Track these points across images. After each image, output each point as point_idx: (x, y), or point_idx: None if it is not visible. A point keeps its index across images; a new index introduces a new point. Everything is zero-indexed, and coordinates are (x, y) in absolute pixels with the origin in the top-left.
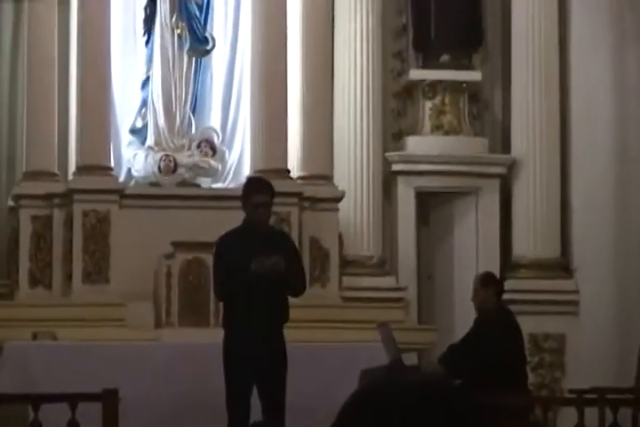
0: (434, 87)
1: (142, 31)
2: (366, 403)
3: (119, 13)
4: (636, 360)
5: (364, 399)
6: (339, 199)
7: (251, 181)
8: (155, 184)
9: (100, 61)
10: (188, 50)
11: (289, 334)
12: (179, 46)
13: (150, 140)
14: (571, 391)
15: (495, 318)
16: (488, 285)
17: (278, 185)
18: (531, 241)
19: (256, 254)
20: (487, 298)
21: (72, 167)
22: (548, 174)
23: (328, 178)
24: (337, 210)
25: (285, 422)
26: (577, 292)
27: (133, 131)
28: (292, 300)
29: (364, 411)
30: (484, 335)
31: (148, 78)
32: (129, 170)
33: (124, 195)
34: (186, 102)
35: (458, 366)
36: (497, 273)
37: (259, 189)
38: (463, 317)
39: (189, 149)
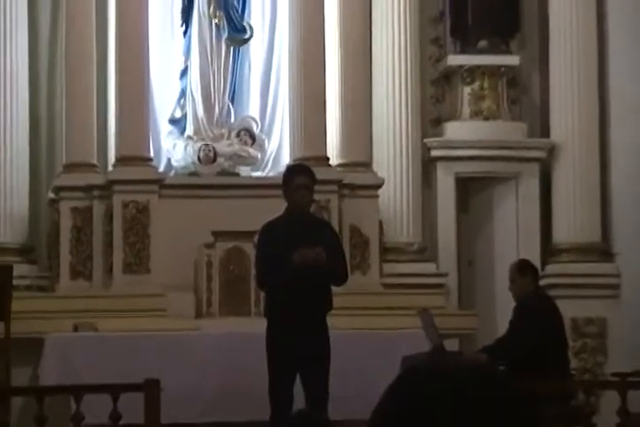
0: (472, 73)
1: (180, 21)
2: (408, 388)
3: (157, 4)
4: None
5: (405, 385)
6: (378, 186)
7: (291, 166)
8: (194, 174)
9: (138, 52)
10: (226, 39)
11: (331, 321)
12: (217, 36)
13: (189, 130)
14: (613, 375)
15: (535, 304)
16: (525, 272)
17: (318, 173)
18: (571, 225)
19: (298, 244)
20: (526, 286)
21: (112, 158)
22: (588, 158)
23: (367, 165)
24: (377, 197)
25: (329, 411)
26: (618, 275)
27: (172, 121)
28: (334, 287)
29: (407, 397)
30: (525, 322)
31: (186, 68)
32: (168, 160)
33: (163, 185)
34: (224, 92)
35: (502, 352)
36: (537, 258)
37: (299, 171)
38: (504, 302)
39: (229, 138)
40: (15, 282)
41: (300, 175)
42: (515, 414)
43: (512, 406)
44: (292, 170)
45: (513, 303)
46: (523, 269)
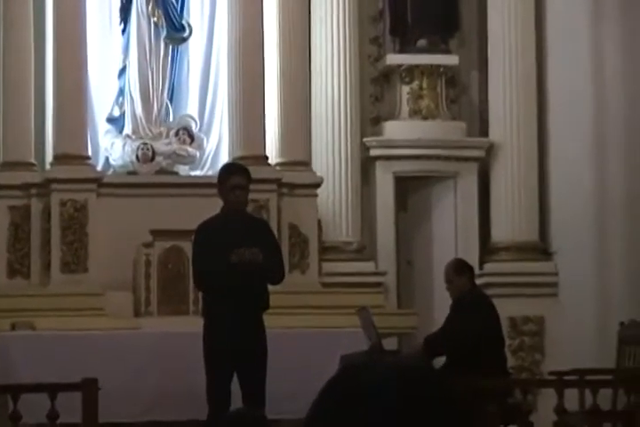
0: (411, 72)
1: (118, 19)
2: (343, 386)
3: (95, 2)
4: (616, 342)
5: (341, 383)
6: (317, 185)
7: (226, 166)
8: (133, 173)
9: (76, 50)
10: (165, 38)
11: (269, 320)
12: (155, 34)
13: (128, 129)
14: (550, 373)
15: (471, 301)
16: (462, 272)
17: (256, 172)
18: (509, 224)
19: (235, 244)
20: (463, 285)
21: (49, 157)
22: (527, 158)
23: (306, 164)
24: (315, 196)
25: (266, 409)
26: (556, 274)
27: (110, 119)
28: (271, 286)
29: (341, 395)
30: (461, 318)
31: (124, 67)
32: (106, 159)
33: (101, 184)
34: (163, 90)
35: (437, 349)
36: (476, 256)
37: (234, 171)
38: (442, 301)
39: (167, 137)
40: None
41: (236, 175)
42: (450, 413)
43: (447, 404)
44: (227, 170)
45: (451, 301)
46: (459, 268)
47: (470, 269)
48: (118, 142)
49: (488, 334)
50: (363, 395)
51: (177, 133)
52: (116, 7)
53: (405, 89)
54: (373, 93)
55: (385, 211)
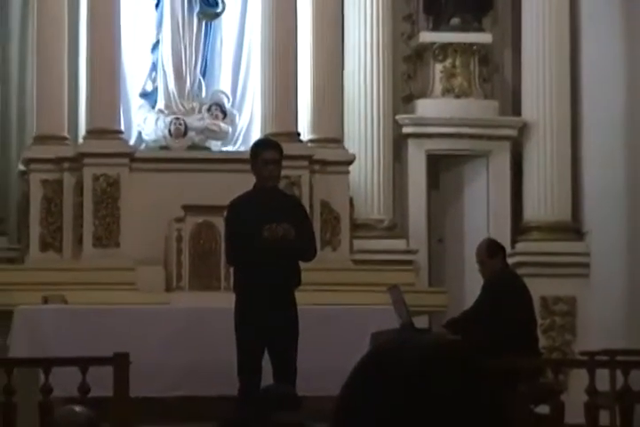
0: (444, 50)
1: None
2: (378, 364)
3: None
4: None
5: (375, 360)
6: (349, 162)
7: (258, 141)
8: (165, 148)
9: (109, 25)
10: (198, 13)
11: (300, 297)
12: (188, 9)
13: (160, 104)
14: (582, 354)
15: (504, 283)
16: (494, 254)
17: (288, 148)
18: (542, 204)
19: (267, 220)
20: (495, 266)
21: (82, 131)
22: (559, 137)
23: (338, 141)
24: (347, 173)
25: (297, 387)
26: (588, 254)
27: (144, 94)
28: (303, 263)
29: (375, 373)
30: (497, 304)
31: (157, 42)
32: (139, 134)
33: (134, 158)
34: (196, 66)
35: (472, 333)
36: (508, 236)
37: (267, 146)
38: (473, 279)
39: (200, 112)
40: None
41: (268, 150)
42: (483, 391)
43: (481, 383)
44: (259, 145)
45: (482, 281)
46: (491, 250)
47: (502, 249)
48: (151, 117)
49: (521, 317)
50: (396, 375)
51: (209, 109)
52: None
53: (438, 67)
54: (406, 71)
55: (417, 189)
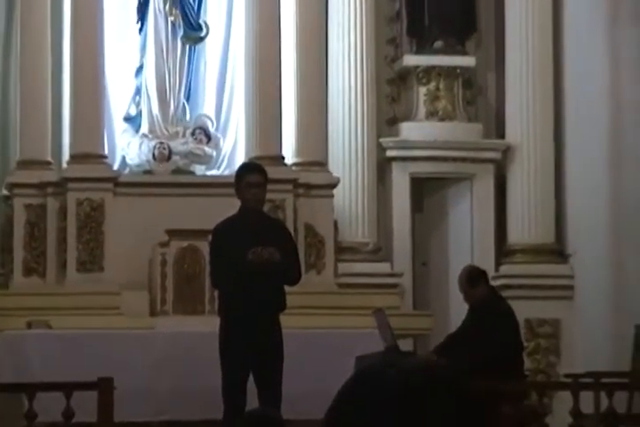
0: (428, 73)
1: (136, 18)
2: (362, 387)
3: (112, 1)
4: (632, 345)
5: (360, 383)
6: (333, 186)
7: (243, 165)
8: (149, 172)
9: (93, 49)
10: (182, 37)
11: (285, 320)
12: (172, 33)
13: (144, 128)
14: (566, 376)
15: (490, 306)
16: (477, 283)
17: (273, 172)
18: (525, 226)
19: (252, 244)
20: (478, 294)
21: (66, 156)
22: (543, 159)
23: (323, 164)
24: (332, 196)
25: (282, 410)
26: (572, 276)
27: (127, 118)
28: (287, 287)
29: (360, 396)
30: (483, 328)
31: (141, 66)
32: (123, 158)
33: (118, 183)
34: (180, 90)
35: (458, 356)
36: (492, 258)
37: (251, 170)
38: (458, 302)
39: (184, 136)
40: None
41: (252, 173)
42: (468, 414)
43: (466, 405)
44: (243, 168)
45: (467, 305)
46: (471, 280)
47: (484, 274)
48: (135, 141)
49: (507, 341)
50: (382, 399)
51: (193, 133)
52: (133, 6)
53: (422, 90)
54: (390, 94)
55: (401, 212)
